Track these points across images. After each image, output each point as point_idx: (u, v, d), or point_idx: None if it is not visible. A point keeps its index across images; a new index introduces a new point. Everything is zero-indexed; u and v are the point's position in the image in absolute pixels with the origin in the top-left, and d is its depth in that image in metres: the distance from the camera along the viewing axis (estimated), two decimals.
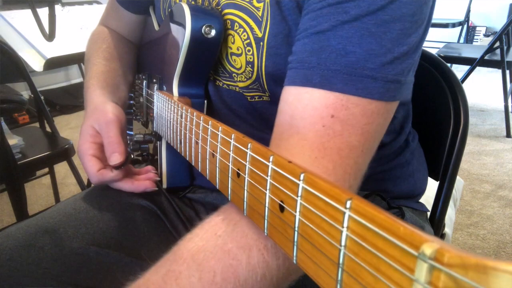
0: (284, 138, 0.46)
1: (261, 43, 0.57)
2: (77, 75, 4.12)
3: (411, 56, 0.45)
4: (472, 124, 2.96)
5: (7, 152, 1.39)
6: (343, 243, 0.21)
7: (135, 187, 0.72)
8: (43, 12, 1.45)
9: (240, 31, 0.59)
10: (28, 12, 1.50)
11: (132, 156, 0.75)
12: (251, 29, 0.58)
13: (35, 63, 1.51)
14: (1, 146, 1.36)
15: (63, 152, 1.66)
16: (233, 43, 0.61)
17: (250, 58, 0.59)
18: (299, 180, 0.25)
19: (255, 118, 0.67)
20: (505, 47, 2.75)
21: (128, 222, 0.73)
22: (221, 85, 0.67)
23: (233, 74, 0.63)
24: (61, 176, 2.35)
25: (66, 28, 1.68)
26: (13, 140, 1.56)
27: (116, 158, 0.66)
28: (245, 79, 0.62)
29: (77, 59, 1.75)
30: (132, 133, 1.02)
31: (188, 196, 0.80)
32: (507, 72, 2.82)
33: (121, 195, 0.77)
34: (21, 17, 1.63)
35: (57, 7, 1.69)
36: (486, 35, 4.54)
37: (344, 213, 0.21)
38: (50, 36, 1.46)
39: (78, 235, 0.68)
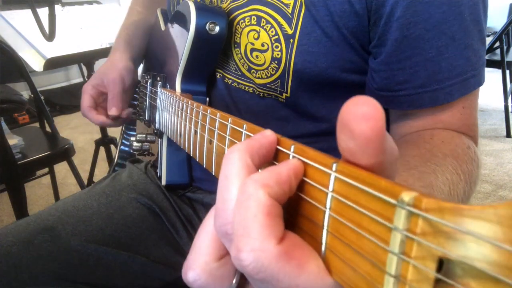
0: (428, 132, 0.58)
1: (291, 40, 0.58)
2: (77, 75, 4.14)
3: (485, 43, 0.58)
4: None
5: (7, 152, 1.39)
6: (328, 205, 0.22)
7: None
8: (43, 12, 1.45)
9: (267, 27, 0.59)
10: (28, 12, 1.50)
11: (134, 116, 0.92)
12: (280, 25, 0.58)
13: (35, 63, 1.52)
14: (1, 146, 1.36)
15: (63, 152, 1.66)
16: (256, 39, 0.61)
17: (278, 54, 0.59)
18: (290, 151, 0.26)
19: (260, 120, 0.67)
20: (505, 47, 2.76)
21: (126, 220, 0.73)
22: (230, 83, 0.67)
23: (252, 71, 0.63)
24: (61, 176, 2.35)
25: (66, 28, 1.69)
26: (13, 140, 1.56)
27: (113, 111, 0.84)
28: (266, 77, 0.62)
29: (77, 59, 1.76)
30: (134, 133, 1.02)
31: (187, 195, 0.80)
32: (507, 72, 2.82)
33: (120, 193, 0.77)
34: (21, 17, 1.64)
35: (57, 7, 1.69)
36: (486, 35, 4.54)
37: (330, 175, 0.22)
38: (50, 36, 1.47)
39: (77, 232, 0.69)
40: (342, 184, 0.21)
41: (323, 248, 0.22)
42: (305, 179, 0.24)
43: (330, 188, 0.22)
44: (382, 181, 0.18)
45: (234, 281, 0.28)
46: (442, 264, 0.16)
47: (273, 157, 0.29)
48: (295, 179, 0.24)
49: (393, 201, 0.17)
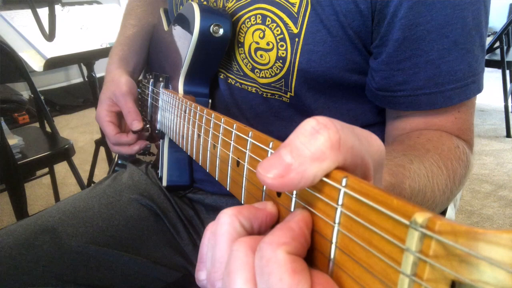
0: (423, 134, 0.57)
1: (297, 39, 0.58)
2: (77, 75, 4.13)
3: (484, 50, 0.58)
4: None
5: (7, 152, 1.39)
6: (337, 220, 0.22)
7: (131, 150, 0.81)
8: (43, 12, 1.45)
9: (272, 26, 0.59)
10: (28, 12, 1.50)
11: (148, 126, 0.85)
12: (285, 24, 0.58)
13: (35, 63, 1.51)
14: (1, 146, 1.36)
15: (63, 152, 1.66)
16: (262, 38, 0.61)
17: (283, 53, 0.59)
18: None
19: (262, 121, 0.67)
20: (505, 47, 2.76)
21: (127, 221, 0.73)
22: (233, 83, 0.67)
23: (256, 70, 0.63)
24: (61, 176, 2.35)
25: (66, 28, 1.68)
26: (13, 140, 1.56)
27: (136, 125, 0.76)
28: (270, 76, 0.62)
29: (77, 59, 1.76)
30: None
31: (188, 196, 0.80)
32: (507, 72, 2.81)
33: (121, 194, 0.77)
34: (21, 17, 1.63)
35: (57, 7, 1.69)
36: (485, 42, 4.54)
37: (340, 190, 0.22)
38: (50, 36, 1.46)
39: (78, 233, 0.69)
40: (352, 200, 0.21)
41: (331, 263, 0.22)
42: (313, 192, 0.24)
43: (339, 202, 0.22)
44: (394, 199, 0.18)
45: None
46: (454, 286, 0.16)
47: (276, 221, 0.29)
48: (307, 229, 0.24)
49: (406, 221, 0.17)
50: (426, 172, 0.47)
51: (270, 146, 0.30)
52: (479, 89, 0.57)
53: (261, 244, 0.23)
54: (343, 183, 0.22)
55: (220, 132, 0.42)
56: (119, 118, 0.82)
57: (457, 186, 0.52)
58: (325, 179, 0.23)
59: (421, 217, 0.16)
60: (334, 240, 0.22)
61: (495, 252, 0.14)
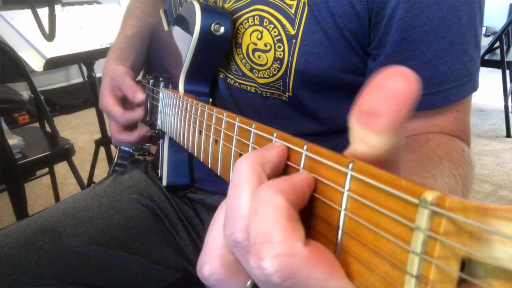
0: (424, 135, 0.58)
1: (294, 41, 0.58)
2: (77, 75, 4.14)
3: (479, 49, 0.59)
4: (472, 124, 2.91)
5: (7, 152, 1.39)
6: (343, 205, 0.22)
7: (131, 136, 0.79)
8: (43, 12, 1.45)
9: (270, 27, 0.59)
10: (28, 12, 1.50)
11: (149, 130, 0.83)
12: (283, 26, 0.58)
13: (35, 63, 1.51)
14: (1, 146, 1.36)
15: (63, 152, 1.66)
16: (259, 39, 0.61)
17: (280, 54, 0.59)
18: (303, 149, 0.26)
19: (261, 120, 0.67)
20: (505, 47, 2.76)
21: (127, 221, 0.73)
22: (232, 83, 0.67)
23: (254, 70, 0.63)
24: (61, 176, 2.35)
25: (66, 28, 1.68)
26: (13, 140, 1.56)
27: (139, 96, 0.74)
28: (268, 76, 0.62)
29: (77, 59, 1.76)
30: None
31: (188, 196, 0.80)
32: (507, 72, 2.82)
33: (121, 194, 0.77)
34: (21, 17, 1.63)
35: (57, 7, 1.69)
36: (486, 35, 4.56)
37: (347, 174, 0.22)
38: (50, 36, 1.46)
39: (78, 234, 0.68)
40: (359, 184, 0.21)
41: (338, 249, 0.22)
42: (319, 178, 0.24)
43: (346, 187, 0.22)
44: (402, 180, 0.18)
45: (249, 281, 0.27)
46: (463, 266, 0.15)
47: (286, 159, 0.28)
48: (308, 189, 0.24)
49: (415, 200, 0.17)
50: (448, 190, 0.47)
51: (274, 136, 0.30)
52: (474, 87, 0.57)
53: (262, 186, 0.22)
54: (350, 167, 0.22)
55: (223, 126, 0.42)
56: (122, 102, 0.80)
57: (468, 191, 0.53)
58: (331, 163, 0.23)
59: (430, 195, 0.16)
60: (341, 226, 0.22)
61: (506, 227, 0.14)
